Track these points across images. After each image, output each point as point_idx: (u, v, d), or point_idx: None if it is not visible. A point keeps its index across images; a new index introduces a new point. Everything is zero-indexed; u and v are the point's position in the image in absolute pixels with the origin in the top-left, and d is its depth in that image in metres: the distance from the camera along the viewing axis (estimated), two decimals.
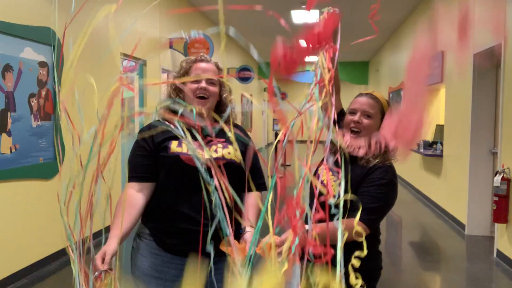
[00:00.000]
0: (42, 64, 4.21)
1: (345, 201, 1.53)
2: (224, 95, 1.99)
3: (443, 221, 6.43)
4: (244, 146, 1.95)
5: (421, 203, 7.83)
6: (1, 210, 3.76)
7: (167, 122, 1.74)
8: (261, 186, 2.00)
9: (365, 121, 1.83)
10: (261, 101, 19.04)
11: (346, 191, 1.51)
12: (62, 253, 4.55)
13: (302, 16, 9.71)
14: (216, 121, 1.92)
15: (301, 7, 8.96)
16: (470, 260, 4.95)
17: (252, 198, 1.95)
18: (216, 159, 1.80)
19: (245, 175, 1.90)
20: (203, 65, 1.95)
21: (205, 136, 1.86)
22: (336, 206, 1.56)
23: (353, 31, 11.40)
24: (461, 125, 5.90)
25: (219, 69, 1.99)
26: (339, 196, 1.46)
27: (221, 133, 1.90)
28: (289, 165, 12.90)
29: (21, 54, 3.94)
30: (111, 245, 1.69)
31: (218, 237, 1.63)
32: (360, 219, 1.67)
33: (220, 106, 1.98)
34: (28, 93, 4.03)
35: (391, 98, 11.52)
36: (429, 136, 8.03)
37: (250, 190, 1.94)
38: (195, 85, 1.91)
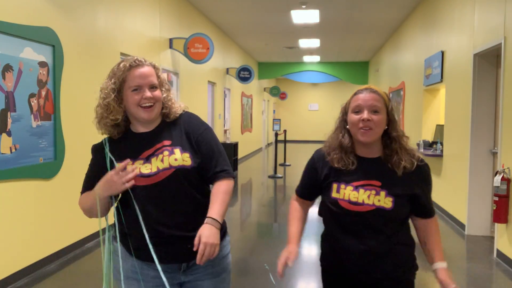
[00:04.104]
0: (42, 64, 4.21)
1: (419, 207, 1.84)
2: (164, 95, 1.86)
3: (443, 221, 6.43)
4: (195, 139, 1.84)
5: None
6: (1, 210, 3.76)
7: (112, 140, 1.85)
8: (225, 174, 1.83)
9: (374, 117, 1.73)
10: (261, 101, 19.02)
11: (406, 201, 1.79)
12: (62, 253, 4.55)
13: (302, 16, 9.71)
14: (162, 121, 1.87)
15: (301, 7, 8.96)
16: (470, 260, 4.94)
17: (218, 187, 1.81)
18: (164, 170, 1.76)
19: (206, 169, 1.82)
20: (141, 70, 1.77)
21: (152, 144, 1.81)
22: (393, 215, 1.78)
23: (353, 30, 11.40)
24: (461, 125, 5.90)
25: (155, 68, 1.84)
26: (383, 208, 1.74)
27: (167, 134, 1.84)
28: (289, 165, 12.89)
29: (21, 54, 3.94)
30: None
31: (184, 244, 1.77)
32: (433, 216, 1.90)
33: (163, 108, 1.87)
34: (28, 93, 4.03)
35: (391, 98, 11.51)
36: (429, 136, 8.03)
37: (217, 179, 1.82)
38: (138, 96, 1.77)
